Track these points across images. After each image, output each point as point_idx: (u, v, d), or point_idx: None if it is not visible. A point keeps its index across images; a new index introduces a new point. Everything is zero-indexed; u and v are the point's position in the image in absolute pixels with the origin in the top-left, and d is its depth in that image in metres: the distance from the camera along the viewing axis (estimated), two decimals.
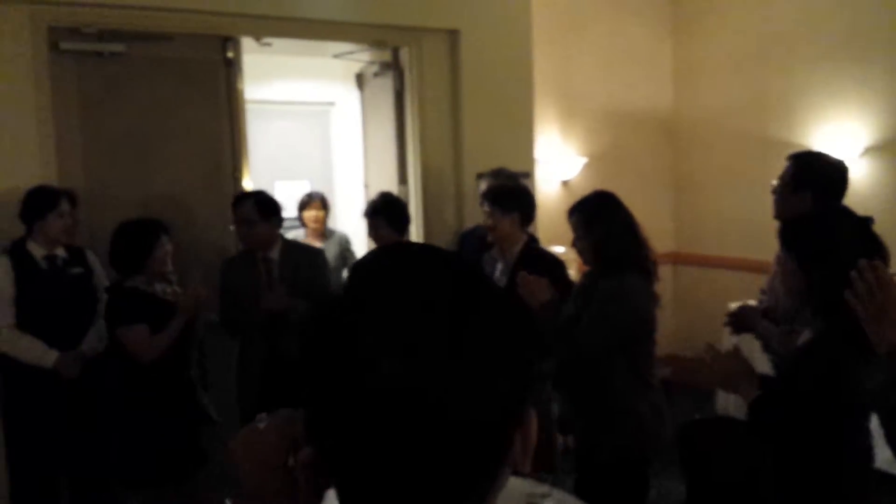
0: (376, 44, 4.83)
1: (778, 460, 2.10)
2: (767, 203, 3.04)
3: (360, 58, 5.20)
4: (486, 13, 4.72)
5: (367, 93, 5.52)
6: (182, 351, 3.25)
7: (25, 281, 3.30)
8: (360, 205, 4.42)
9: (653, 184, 6.33)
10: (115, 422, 3.20)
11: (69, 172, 3.80)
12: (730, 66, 5.87)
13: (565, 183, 5.92)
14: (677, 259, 6.44)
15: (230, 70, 4.22)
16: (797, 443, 2.01)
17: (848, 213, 2.25)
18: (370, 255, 0.72)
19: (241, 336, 3.69)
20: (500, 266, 3.61)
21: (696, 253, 6.26)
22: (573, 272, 4.35)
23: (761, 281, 3.23)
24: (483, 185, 4.10)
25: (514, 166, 4.65)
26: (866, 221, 2.06)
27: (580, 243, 2.84)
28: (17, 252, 3.33)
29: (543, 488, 2.39)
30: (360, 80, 5.61)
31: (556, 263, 3.54)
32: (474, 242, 4.10)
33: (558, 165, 5.85)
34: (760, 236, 3.41)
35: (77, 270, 3.44)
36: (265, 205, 3.56)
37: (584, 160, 5.94)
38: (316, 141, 7.22)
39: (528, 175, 4.82)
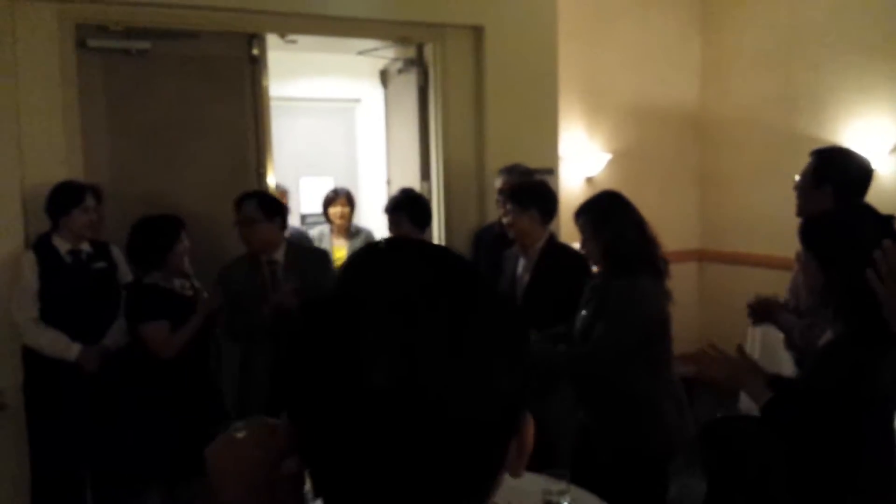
0: (400, 40, 4.83)
1: (795, 458, 2.07)
2: (794, 200, 2.99)
3: (384, 54, 5.21)
4: (511, 9, 4.70)
5: (390, 89, 5.53)
6: (202, 348, 3.28)
7: (50, 275, 3.35)
8: (383, 201, 4.43)
9: (679, 180, 6.27)
10: (133, 417, 3.24)
11: (95, 168, 3.85)
12: (758, 60, 5.79)
13: (589, 179, 5.88)
14: (703, 256, 6.37)
15: (255, 67, 4.25)
16: (815, 441, 1.98)
17: (870, 211, 2.20)
18: (362, 252, 0.69)
19: (247, 343, 3.58)
20: (522, 263, 3.59)
21: (722, 250, 6.19)
22: (596, 269, 4.33)
23: (788, 278, 3.19)
24: (498, 182, 4.09)
25: (538, 163, 4.63)
26: (888, 220, 2.02)
27: (589, 245, 2.81)
28: (43, 246, 3.39)
29: (561, 485, 2.38)
30: (385, 76, 5.62)
31: (579, 259, 3.51)
32: (490, 240, 4.08)
33: (583, 162, 5.81)
34: (787, 233, 3.35)
35: (101, 265, 3.49)
36: (269, 204, 3.48)
37: (608, 156, 5.90)
38: (341, 138, 7.24)
39: (552, 171, 4.80)
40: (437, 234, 4.73)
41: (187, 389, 3.22)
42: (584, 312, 2.88)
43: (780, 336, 2.86)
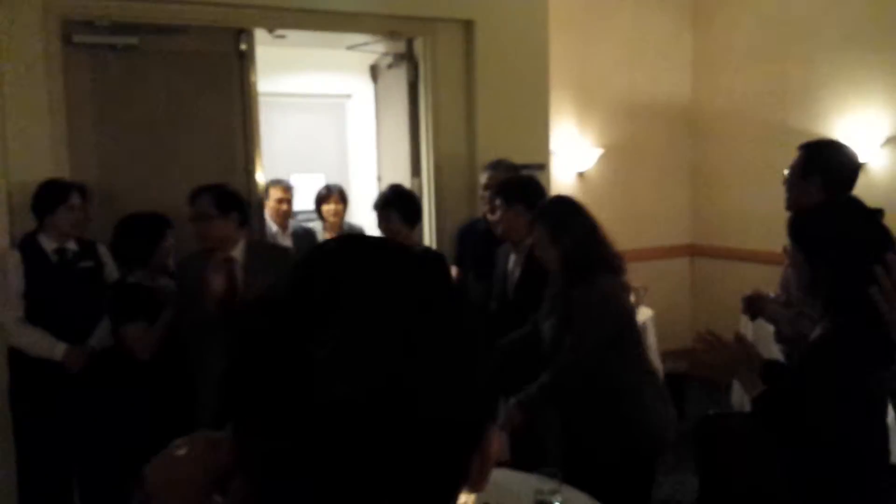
0: (390, 35, 4.79)
1: (787, 455, 2.06)
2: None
3: (374, 49, 5.17)
4: (502, 3, 4.67)
5: (380, 84, 5.49)
6: (182, 347, 3.24)
7: (35, 274, 3.32)
8: (374, 198, 4.40)
9: (670, 175, 6.26)
10: (115, 417, 3.20)
11: (82, 166, 3.81)
12: (750, 55, 5.78)
13: (581, 174, 5.87)
14: (695, 251, 6.38)
15: (243, 62, 4.21)
16: (806, 438, 1.96)
17: (858, 205, 2.19)
18: (315, 251, 0.64)
19: (199, 341, 3.36)
20: (513, 258, 3.57)
21: (714, 245, 6.19)
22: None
23: (780, 273, 3.18)
24: (484, 177, 4.06)
25: (529, 158, 4.61)
26: (876, 214, 2.00)
27: (546, 252, 2.80)
28: (28, 245, 3.35)
29: (552, 484, 2.36)
30: (375, 71, 5.59)
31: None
32: (474, 236, 4.05)
33: (574, 157, 5.80)
34: (779, 228, 3.34)
35: (87, 264, 3.45)
36: (224, 199, 3.28)
37: (600, 151, 5.89)
38: (331, 134, 7.20)
39: (543, 167, 4.78)
40: (428, 231, 4.71)
41: (166, 390, 3.18)
42: (549, 322, 2.88)
43: (772, 329, 2.86)
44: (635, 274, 5.50)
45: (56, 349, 3.29)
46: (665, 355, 5.33)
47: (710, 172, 6.20)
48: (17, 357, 3.35)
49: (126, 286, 3.19)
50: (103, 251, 3.54)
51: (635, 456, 2.73)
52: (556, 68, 5.03)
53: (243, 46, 4.19)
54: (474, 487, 0.62)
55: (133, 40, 3.94)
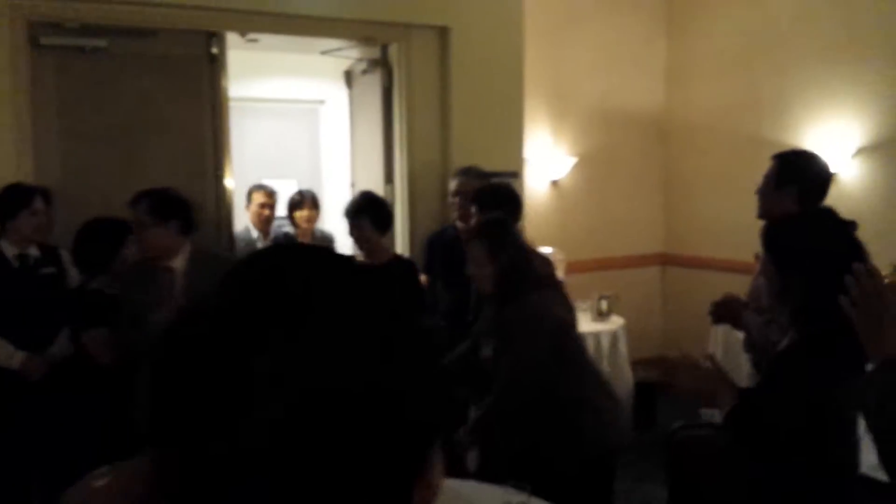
0: (365, 40, 4.77)
1: (758, 469, 2.06)
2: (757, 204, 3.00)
3: (348, 55, 5.14)
4: (477, 10, 4.66)
5: (355, 90, 5.46)
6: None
7: None
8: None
9: (643, 184, 6.28)
10: (75, 423, 3.13)
11: (46, 170, 3.75)
12: (723, 65, 5.83)
13: (555, 183, 5.87)
14: (666, 260, 6.40)
15: (214, 66, 4.16)
16: (776, 453, 1.96)
17: (831, 217, 2.20)
18: (247, 262, 0.60)
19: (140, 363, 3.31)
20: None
21: (685, 254, 6.22)
22: (560, 273, 4.31)
23: (749, 282, 3.19)
24: (454, 184, 4.06)
25: (504, 166, 4.61)
26: (848, 226, 2.01)
27: (482, 270, 2.80)
28: None
29: (521, 496, 2.33)
30: (349, 77, 5.55)
31: (544, 263, 3.49)
32: (443, 243, 4.04)
33: (548, 165, 5.80)
34: (751, 238, 3.37)
35: (49, 270, 3.38)
36: (161, 205, 3.09)
37: (573, 160, 5.89)
38: (305, 139, 7.15)
39: (517, 175, 4.77)
40: (401, 238, 4.68)
41: (128, 396, 3.11)
42: (489, 344, 2.91)
43: (741, 338, 2.87)
44: (606, 282, 5.55)
45: (14, 358, 3.21)
46: (636, 364, 5.34)
47: (682, 182, 6.24)
48: None
49: (87, 292, 3.13)
50: (66, 257, 3.46)
51: (591, 461, 2.75)
52: (531, 77, 5.03)
53: (214, 50, 4.14)
54: None
55: (102, 43, 3.88)
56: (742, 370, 3.40)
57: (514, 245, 2.83)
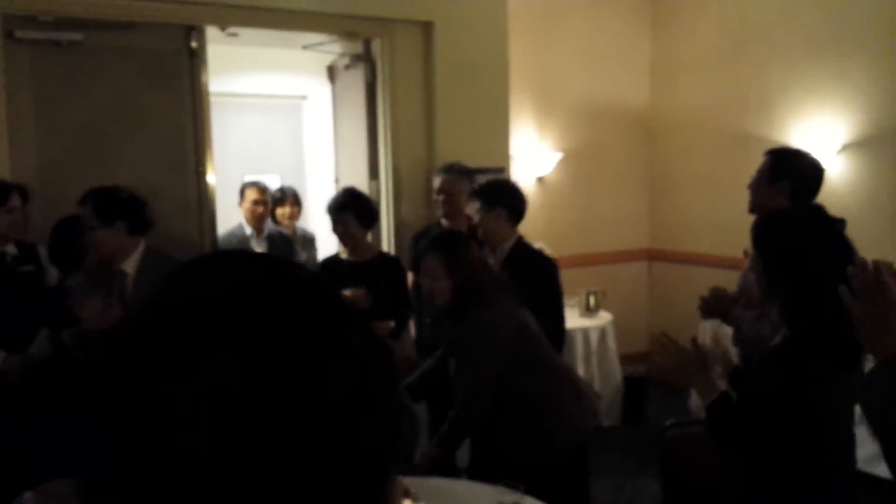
0: (347, 35, 4.71)
1: (746, 468, 2.03)
2: (743, 200, 3.02)
3: (330, 49, 5.08)
4: (461, 5, 4.62)
5: (338, 85, 5.40)
6: None
7: None
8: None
9: (629, 180, 6.28)
10: (54, 427, 3.05)
11: (23, 166, 3.67)
12: (707, 61, 5.82)
13: (540, 179, 5.85)
14: (652, 256, 6.40)
15: (194, 61, 4.08)
16: (765, 452, 1.94)
17: (820, 214, 2.19)
18: (180, 272, 0.55)
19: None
20: (490, 262, 3.55)
21: (671, 249, 6.21)
22: None
23: (736, 278, 3.20)
24: (437, 181, 4.02)
25: (489, 162, 4.58)
26: (837, 224, 2.00)
27: (437, 283, 2.79)
28: None
29: (514, 496, 2.30)
30: (332, 72, 5.49)
31: (547, 263, 3.47)
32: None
33: (533, 161, 5.77)
34: (737, 233, 3.38)
35: (27, 268, 3.30)
36: (105, 206, 2.97)
37: (559, 156, 5.87)
38: (288, 135, 7.09)
39: (503, 170, 4.74)
40: (386, 235, 4.63)
41: None
42: (451, 363, 2.93)
43: (730, 332, 2.87)
44: (593, 278, 5.54)
45: None
46: (624, 359, 5.33)
47: (667, 177, 6.23)
48: None
49: (63, 289, 3.05)
50: (44, 255, 3.39)
51: (564, 457, 2.77)
52: (515, 72, 5.00)
53: (194, 44, 4.06)
54: None
55: (78, 36, 3.79)
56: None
57: (470, 259, 2.83)
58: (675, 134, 6.14)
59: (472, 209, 3.51)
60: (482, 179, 4.38)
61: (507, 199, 3.46)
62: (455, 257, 2.79)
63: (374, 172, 4.72)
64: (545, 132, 5.87)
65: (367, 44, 4.70)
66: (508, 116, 4.87)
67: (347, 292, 3.54)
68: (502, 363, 2.72)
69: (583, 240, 5.92)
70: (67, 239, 3.08)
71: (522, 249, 3.48)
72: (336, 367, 0.50)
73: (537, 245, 3.83)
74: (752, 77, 5.44)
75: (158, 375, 0.47)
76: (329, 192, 5.31)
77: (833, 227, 2.02)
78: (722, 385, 2.11)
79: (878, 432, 1.46)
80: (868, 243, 2.39)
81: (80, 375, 2.97)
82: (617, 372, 5.20)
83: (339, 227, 3.72)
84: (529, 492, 2.34)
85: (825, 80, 4.95)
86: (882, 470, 3.25)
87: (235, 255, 0.57)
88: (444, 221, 4.00)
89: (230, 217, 4.74)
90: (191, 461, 0.45)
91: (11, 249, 3.29)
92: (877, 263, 1.50)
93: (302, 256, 4.79)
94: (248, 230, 4.58)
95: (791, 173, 2.85)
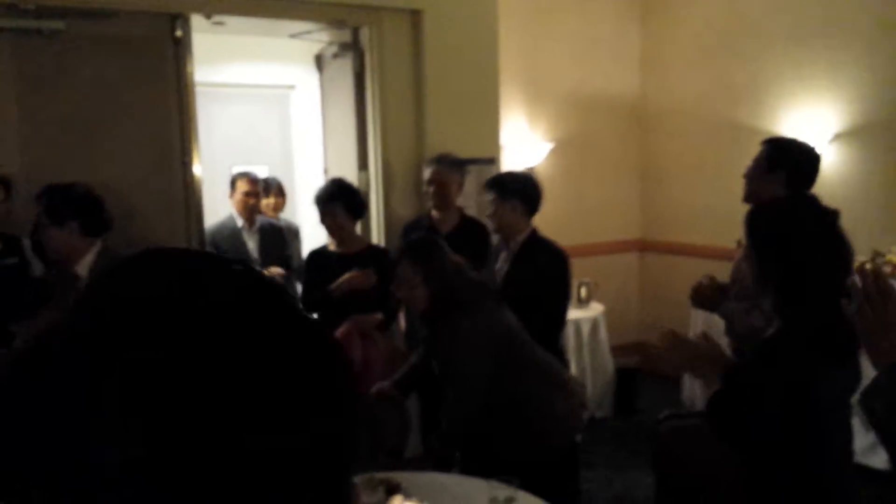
0: (335, 23, 4.63)
1: (744, 461, 2.01)
2: (735, 190, 3.00)
3: (318, 38, 5.01)
4: None
5: (326, 75, 5.33)
6: None
7: None
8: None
9: (620, 170, 6.25)
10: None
11: (4, 157, 3.59)
12: (698, 51, 5.79)
13: (531, 169, 5.80)
14: (644, 247, 6.38)
15: (179, 50, 4.01)
16: (762, 446, 1.92)
17: (814, 204, 2.17)
18: (108, 273, 0.50)
19: None
20: (503, 255, 3.54)
21: (663, 240, 6.19)
22: None
23: (728, 268, 3.17)
24: (427, 172, 3.98)
25: (479, 152, 4.53)
26: (832, 215, 1.97)
27: (414, 292, 2.75)
28: None
29: (508, 491, 2.27)
30: (319, 61, 5.42)
31: (556, 254, 3.44)
32: (420, 233, 3.96)
33: (524, 151, 5.73)
34: (728, 224, 3.37)
35: (11, 261, 3.24)
36: (58, 205, 2.86)
37: (550, 146, 5.83)
38: (276, 125, 7.02)
39: (494, 161, 4.69)
40: (376, 226, 4.58)
41: None
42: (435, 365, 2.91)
43: (722, 322, 2.87)
44: (585, 269, 5.51)
45: None
46: (615, 350, 5.32)
47: (658, 168, 6.20)
48: None
49: (46, 282, 2.99)
50: (28, 247, 3.33)
51: (556, 453, 2.78)
52: (505, 62, 4.95)
53: (179, 33, 3.99)
54: None
55: (60, 25, 3.71)
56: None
57: (445, 265, 2.78)
58: (666, 124, 6.11)
59: (486, 200, 3.48)
60: (472, 170, 4.36)
61: (522, 190, 3.44)
62: (430, 265, 2.75)
63: (363, 163, 4.66)
64: (536, 122, 5.83)
65: (356, 32, 4.64)
66: (499, 106, 4.82)
67: (355, 273, 3.53)
68: (489, 368, 2.69)
69: (574, 230, 5.88)
70: None
71: (535, 241, 3.45)
72: (268, 360, 0.47)
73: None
74: (742, 67, 5.41)
75: (81, 371, 0.44)
76: (318, 184, 5.27)
77: (826, 217, 2.00)
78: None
79: (883, 440, 1.44)
80: (861, 233, 2.38)
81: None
82: (608, 363, 5.18)
83: (328, 218, 3.69)
84: (523, 486, 2.31)
85: (816, 70, 4.93)
86: (877, 461, 3.25)
87: (167, 253, 0.52)
88: (434, 213, 3.96)
89: (218, 209, 4.68)
90: (112, 457, 0.42)
91: None
92: (877, 271, 1.48)
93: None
94: (240, 222, 4.53)
95: (788, 163, 2.84)
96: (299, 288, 4.10)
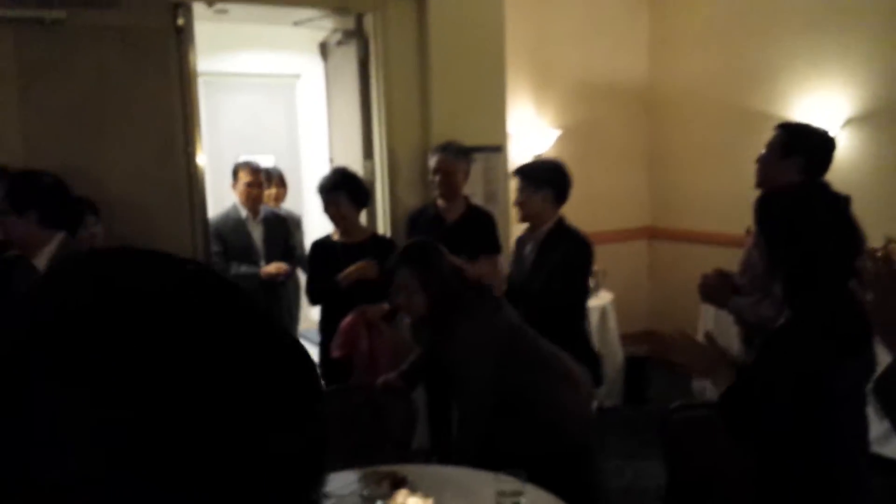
0: (339, 10, 4.58)
1: (756, 453, 1.98)
2: (745, 176, 2.95)
3: (322, 25, 4.96)
4: None
5: (330, 63, 5.28)
6: None
7: None
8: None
9: (628, 156, 6.19)
10: None
11: (6, 148, 3.58)
12: (707, 35, 5.71)
13: (539, 157, 5.74)
14: (653, 234, 6.32)
15: (181, 39, 3.97)
16: (774, 436, 1.88)
17: (825, 191, 2.13)
18: (60, 271, 0.48)
19: None
20: (529, 245, 3.52)
21: (672, 227, 6.13)
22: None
23: (738, 255, 3.13)
24: (433, 161, 3.93)
25: (486, 139, 4.49)
26: (843, 202, 1.93)
27: (415, 298, 2.71)
28: None
29: (516, 485, 2.24)
30: (324, 49, 5.37)
31: (580, 242, 3.42)
32: (425, 222, 3.92)
33: (531, 138, 5.67)
34: (737, 210, 3.33)
35: (10, 254, 3.21)
36: (18, 191, 2.72)
37: (557, 133, 5.78)
38: (281, 114, 6.99)
39: (500, 149, 4.65)
40: (382, 215, 4.54)
41: None
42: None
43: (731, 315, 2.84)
44: (593, 257, 5.46)
45: None
46: (625, 338, 5.27)
47: (667, 154, 6.14)
48: None
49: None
50: None
51: (563, 445, 2.72)
52: (512, 48, 4.89)
53: (180, 22, 3.95)
54: None
55: (61, 14, 3.68)
56: (734, 344, 3.38)
57: (443, 269, 2.74)
58: (675, 109, 6.04)
59: (513, 188, 3.45)
60: (479, 158, 4.31)
61: (553, 180, 3.41)
62: (427, 270, 2.71)
63: (368, 152, 4.62)
64: (543, 109, 5.77)
65: (360, 19, 4.58)
66: (505, 93, 4.76)
67: (360, 264, 3.50)
68: (491, 369, 2.65)
69: (582, 218, 5.76)
70: None
71: (562, 229, 3.44)
72: (217, 366, 0.43)
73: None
74: (752, 51, 5.33)
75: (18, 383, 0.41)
76: (324, 172, 5.23)
77: (838, 203, 1.96)
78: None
79: None
80: (873, 219, 2.33)
81: None
82: (618, 352, 5.14)
83: (332, 207, 3.66)
84: (532, 480, 2.28)
85: (828, 54, 4.85)
86: (891, 450, 3.21)
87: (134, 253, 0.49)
88: (440, 202, 3.92)
89: (225, 199, 4.66)
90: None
91: None
92: (889, 256, 1.43)
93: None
94: (244, 212, 4.50)
95: (804, 149, 2.78)
96: (303, 278, 4.08)
